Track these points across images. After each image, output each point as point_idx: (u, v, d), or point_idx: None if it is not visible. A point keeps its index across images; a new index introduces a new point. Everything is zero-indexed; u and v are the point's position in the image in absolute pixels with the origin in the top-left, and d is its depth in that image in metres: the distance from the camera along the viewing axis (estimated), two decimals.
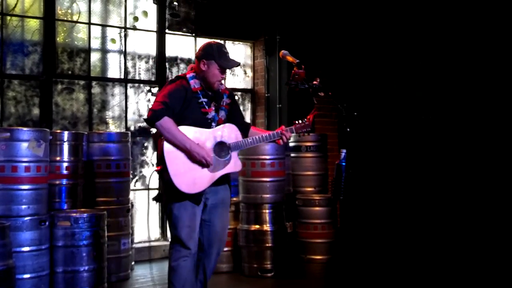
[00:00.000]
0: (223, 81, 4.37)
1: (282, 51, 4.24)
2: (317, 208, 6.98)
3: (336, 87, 8.62)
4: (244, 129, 4.38)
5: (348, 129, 3.70)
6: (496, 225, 6.45)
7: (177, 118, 4.06)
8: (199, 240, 4.26)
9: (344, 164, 3.73)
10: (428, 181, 7.29)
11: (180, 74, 4.40)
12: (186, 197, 4.07)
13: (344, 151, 3.75)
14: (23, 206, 5.05)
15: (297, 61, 4.05)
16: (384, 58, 8.13)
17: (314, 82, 3.94)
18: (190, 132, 4.06)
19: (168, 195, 4.17)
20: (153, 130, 4.66)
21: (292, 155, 7.39)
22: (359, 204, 8.23)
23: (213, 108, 4.22)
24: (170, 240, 4.26)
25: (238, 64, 4.34)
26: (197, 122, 4.12)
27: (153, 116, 3.98)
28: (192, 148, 4.01)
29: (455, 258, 6.53)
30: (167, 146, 4.02)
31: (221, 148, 4.16)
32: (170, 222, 4.21)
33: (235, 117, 4.39)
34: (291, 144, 7.42)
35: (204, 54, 4.20)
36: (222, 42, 8.27)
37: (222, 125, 4.22)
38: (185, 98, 4.11)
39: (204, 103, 4.17)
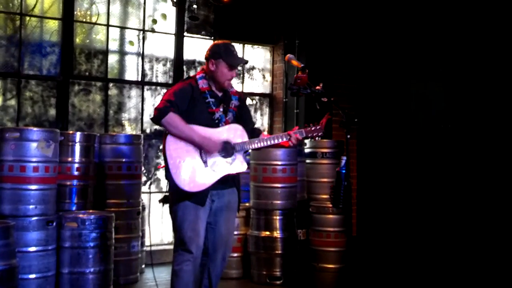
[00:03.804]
0: (232, 83, 4.33)
1: (288, 55, 4.20)
2: (330, 216, 6.85)
3: (356, 92, 8.55)
4: (254, 135, 4.32)
5: (349, 136, 3.62)
6: None
7: (184, 117, 4.05)
8: (204, 244, 4.19)
9: (344, 171, 3.65)
10: (444, 189, 7.15)
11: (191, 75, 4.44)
12: (189, 197, 4.04)
13: (344, 158, 3.67)
14: (31, 206, 5.08)
15: (302, 65, 3.99)
16: (405, 63, 8.01)
17: (317, 87, 3.86)
18: (196, 131, 4.06)
19: (172, 195, 4.16)
20: None
21: (308, 161, 7.30)
22: (373, 213, 8.13)
23: (221, 109, 4.20)
24: (174, 243, 4.23)
25: (245, 62, 4.42)
26: (204, 121, 4.11)
27: (159, 114, 4.00)
28: (200, 141, 4.00)
29: (467, 265, 6.40)
30: (169, 144, 4.04)
31: (226, 148, 4.11)
32: (174, 224, 4.19)
33: (244, 121, 4.34)
34: (306, 150, 7.35)
35: (212, 54, 4.20)
36: (241, 45, 8.36)
37: (228, 125, 4.19)
38: (192, 97, 4.11)
39: (211, 103, 4.16)
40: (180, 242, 4.12)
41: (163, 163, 4.15)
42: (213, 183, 4.08)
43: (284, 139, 4.16)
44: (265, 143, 4.17)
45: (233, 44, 4.28)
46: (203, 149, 4.04)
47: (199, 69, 4.43)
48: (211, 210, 4.19)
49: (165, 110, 3.98)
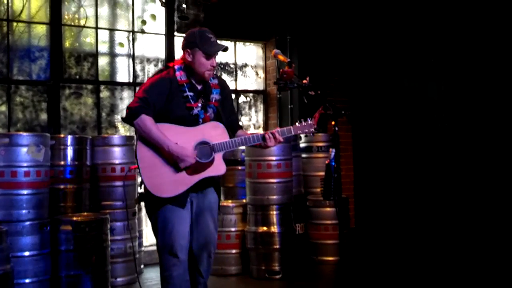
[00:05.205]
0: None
1: (274, 50, 4.12)
2: (327, 209, 6.86)
3: (348, 85, 8.54)
4: (232, 125, 4.04)
5: (336, 128, 3.60)
6: None
7: (161, 112, 3.77)
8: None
9: (333, 164, 3.62)
10: (440, 180, 7.14)
11: (169, 63, 4.02)
12: (167, 201, 3.77)
13: (333, 151, 3.64)
14: (23, 211, 5.07)
15: (288, 60, 3.93)
16: (397, 56, 8.00)
17: (304, 81, 3.83)
18: (170, 131, 3.75)
19: (149, 202, 3.88)
20: None
21: (303, 155, 7.30)
22: (371, 204, 8.12)
23: (199, 104, 3.88)
24: (157, 249, 3.94)
25: (225, 48, 3.89)
26: (181, 118, 3.82)
27: (130, 114, 3.71)
28: (171, 149, 3.68)
29: (465, 258, 6.38)
30: (140, 146, 3.75)
31: (204, 148, 3.79)
32: (155, 228, 3.88)
33: (224, 112, 4.01)
34: (302, 145, 7.35)
35: (187, 43, 3.88)
36: (232, 43, 8.33)
37: (206, 123, 3.87)
38: (169, 91, 3.80)
39: (189, 97, 3.84)
40: (164, 246, 3.83)
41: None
42: (189, 187, 3.80)
43: (261, 141, 3.86)
44: (245, 143, 3.87)
45: (212, 31, 3.89)
46: (174, 159, 3.71)
47: (179, 58, 3.97)
48: (192, 212, 3.94)
49: (136, 110, 3.70)
